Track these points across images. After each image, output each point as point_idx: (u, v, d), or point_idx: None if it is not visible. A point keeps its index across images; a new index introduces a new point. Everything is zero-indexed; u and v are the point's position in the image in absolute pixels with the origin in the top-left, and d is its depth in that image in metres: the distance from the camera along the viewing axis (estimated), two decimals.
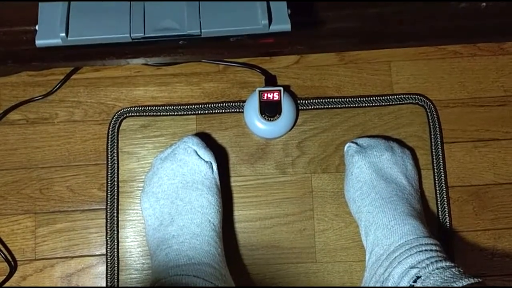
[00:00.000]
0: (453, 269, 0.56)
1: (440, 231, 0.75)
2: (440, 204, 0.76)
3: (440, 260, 0.58)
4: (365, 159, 0.71)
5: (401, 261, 0.59)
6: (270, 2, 0.60)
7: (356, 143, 0.73)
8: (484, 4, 0.69)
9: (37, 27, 0.59)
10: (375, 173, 0.70)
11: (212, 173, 0.71)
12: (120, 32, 0.58)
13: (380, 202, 0.67)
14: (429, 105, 0.79)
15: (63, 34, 0.58)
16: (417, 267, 0.57)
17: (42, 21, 0.58)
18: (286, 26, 0.60)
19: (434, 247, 0.61)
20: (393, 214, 0.65)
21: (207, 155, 0.71)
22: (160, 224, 0.67)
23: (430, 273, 0.56)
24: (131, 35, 0.58)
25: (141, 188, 0.74)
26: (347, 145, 0.74)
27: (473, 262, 0.75)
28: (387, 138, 0.76)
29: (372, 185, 0.69)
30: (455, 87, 0.80)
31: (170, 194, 0.69)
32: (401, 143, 0.77)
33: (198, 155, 0.71)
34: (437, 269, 0.56)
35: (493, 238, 0.76)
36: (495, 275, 0.74)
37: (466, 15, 0.71)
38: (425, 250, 0.60)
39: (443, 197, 0.76)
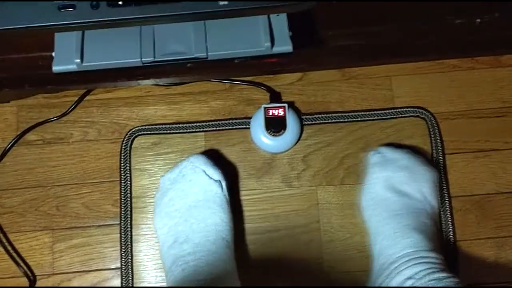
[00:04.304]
0: (447, 280, 0.58)
1: (443, 240, 0.77)
2: (443, 214, 0.78)
3: (437, 271, 0.60)
4: (383, 172, 0.72)
5: (399, 272, 0.61)
6: (272, 25, 0.63)
7: (380, 153, 0.75)
8: (479, 20, 0.72)
9: (53, 54, 0.62)
10: (390, 185, 0.71)
11: (222, 190, 0.72)
12: (132, 57, 0.62)
13: (388, 214, 0.69)
14: (430, 117, 0.81)
15: (78, 60, 0.61)
16: (414, 278, 0.59)
17: (58, 48, 0.62)
18: (288, 48, 0.63)
19: (433, 260, 0.63)
20: (398, 226, 0.67)
21: (216, 174, 0.72)
22: (175, 242, 0.69)
23: (426, 283, 0.58)
24: (142, 59, 0.62)
25: (153, 203, 0.77)
26: (371, 152, 0.76)
27: (477, 270, 0.76)
28: (413, 150, 0.77)
29: (384, 196, 0.71)
30: (455, 100, 0.82)
31: (183, 212, 0.71)
32: (426, 157, 0.77)
33: (207, 175, 0.72)
34: (432, 280, 0.58)
35: (496, 246, 0.77)
36: (499, 282, 0.76)
37: (462, 30, 0.73)
38: (423, 262, 0.61)
39: (446, 207, 0.78)
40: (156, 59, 0.62)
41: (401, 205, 0.69)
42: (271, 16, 0.63)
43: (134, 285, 0.77)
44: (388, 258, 0.65)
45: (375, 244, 0.68)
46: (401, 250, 0.64)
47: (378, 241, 0.68)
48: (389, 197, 0.70)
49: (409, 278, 0.60)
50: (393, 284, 0.61)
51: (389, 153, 0.75)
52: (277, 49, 0.63)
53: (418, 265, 0.61)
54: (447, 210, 0.78)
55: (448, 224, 0.77)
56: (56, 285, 0.78)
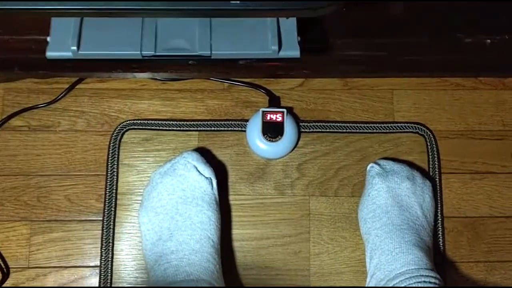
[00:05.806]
0: None
1: (434, 260, 0.75)
2: (435, 234, 0.76)
3: None
4: (385, 183, 0.71)
5: None
6: (281, 28, 0.61)
7: (379, 165, 0.73)
8: (489, 40, 0.71)
9: (48, 39, 0.59)
10: (391, 198, 0.70)
11: (212, 189, 0.71)
12: (131, 49, 0.59)
13: (389, 228, 0.67)
14: (429, 135, 0.80)
15: (75, 48, 0.58)
16: None
17: (54, 34, 0.59)
18: (295, 53, 0.60)
19: (433, 280, 0.61)
20: (400, 242, 0.66)
21: (207, 171, 0.71)
22: (159, 239, 0.67)
23: None
24: (142, 52, 0.59)
25: (139, 202, 0.74)
26: (370, 165, 0.74)
27: None
28: (411, 165, 0.76)
29: (385, 210, 0.69)
30: (455, 119, 0.81)
31: (169, 209, 0.69)
32: (424, 173, 0.77)
33: (198, 171, 0.71)
34: None
35: (486, 271, 0.76)
36: None
37: (471, 50, 0.72)
38: (424, 281, 0.60)
39: (438, 227, 0.77)
40: (157, 54, 0.59)
41: (403, 220, 0.68)
42: (281, 18, 0.61)
43: (112, 285, 0.74)
44: (387, 274, 0.63)
45: (373, 258, 0.67)
46: (402, 266, 0.63)
47: (376, 256, 0.66)
48: (391, 210, 0.69)
49: None
50: None
51: (389, 165, 0.74)
52: (284, 53, 0.61)
53: (419, 283, 0.60)
54: (439, 230, 0.76)
55: (439, 245, 0.76)
56: (31, 279, 0.74)
